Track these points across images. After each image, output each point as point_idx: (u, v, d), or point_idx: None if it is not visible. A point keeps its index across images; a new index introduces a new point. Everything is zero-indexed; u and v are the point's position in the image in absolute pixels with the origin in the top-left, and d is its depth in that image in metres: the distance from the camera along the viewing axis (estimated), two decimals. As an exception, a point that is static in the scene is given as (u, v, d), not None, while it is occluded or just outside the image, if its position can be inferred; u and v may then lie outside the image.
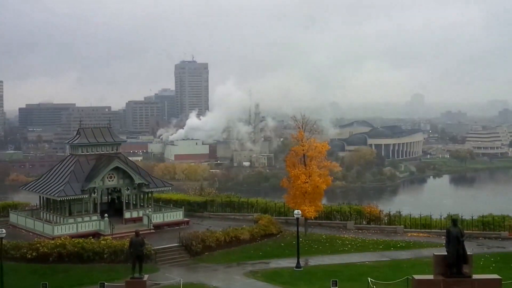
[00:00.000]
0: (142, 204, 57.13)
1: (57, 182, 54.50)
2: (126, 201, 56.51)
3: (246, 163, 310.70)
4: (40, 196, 57.20)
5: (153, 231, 52.97)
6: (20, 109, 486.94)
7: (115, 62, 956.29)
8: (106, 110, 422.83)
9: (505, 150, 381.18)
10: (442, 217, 55.70)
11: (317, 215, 54.45)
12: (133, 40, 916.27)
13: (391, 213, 58.73)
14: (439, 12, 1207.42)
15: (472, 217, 54.73)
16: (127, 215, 55.67)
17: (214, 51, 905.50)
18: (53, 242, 45.31)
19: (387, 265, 42.90)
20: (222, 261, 44.75)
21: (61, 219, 52.99)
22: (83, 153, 57.03)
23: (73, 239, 45.51)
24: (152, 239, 47.23)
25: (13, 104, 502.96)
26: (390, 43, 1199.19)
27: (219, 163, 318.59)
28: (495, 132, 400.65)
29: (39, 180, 58.32)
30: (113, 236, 48.63)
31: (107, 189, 56.98)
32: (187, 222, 56.57)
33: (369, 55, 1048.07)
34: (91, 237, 47.48)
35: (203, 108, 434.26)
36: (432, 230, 54.38)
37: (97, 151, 57.63)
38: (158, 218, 55.65)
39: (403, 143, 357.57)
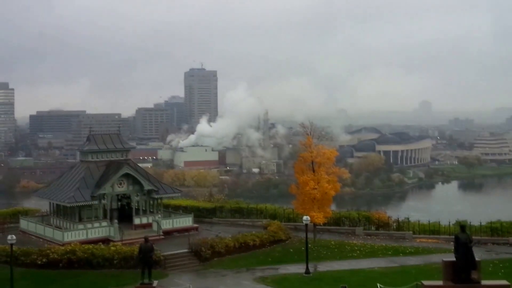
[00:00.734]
0: (151, 210, 57.42)
1: (67, 188, 54.84)
2: (136, 207, 56.78)
3: (255, 170, 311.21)
4: (50, 203, 57.61)
5: (163, 237, 53.15)
6: (31, 116, 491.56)
7: (125, 70, 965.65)
8: (116, 117, 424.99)
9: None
10: (450, 223, 55.54)
11: (326, 221, 54.45)
12: (144, 48, 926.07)
13: (400, 219, 58.71)
14: (448, 22, 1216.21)
15: (480, 223, 54.41)
16: (136, 221, 55.91)
17: (224, 60, 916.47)
18: (63, 248, 45.47)
19: (396, 271, 42.78)
20: (232, 267, 44.78)
21: (71, 225, 53.30)
22: (93, 160, 57.40)
23: (83, 245, 45.65)
24: (161, 245, 47.36)
25: (24, 111, 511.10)
26: (400, 52, 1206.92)
27: (228, 169, 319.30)
28: (502, 139, 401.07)
29: (49, 187, 58.82)
30: (123, 242, 48.79)
31: (117, 195, 57.21)
32: (196, 228, 56.73)
33: (379, 63, 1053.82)
34: (101, 243, 47.70)
35: (212, 114, 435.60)
36: (441, 236, 54.29)
37: (107, 158, 57.96)
38: (167, 224, 55.79)
39: (411, 150, 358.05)
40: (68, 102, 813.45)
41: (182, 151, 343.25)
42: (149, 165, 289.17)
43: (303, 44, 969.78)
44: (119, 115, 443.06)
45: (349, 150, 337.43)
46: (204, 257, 46.40)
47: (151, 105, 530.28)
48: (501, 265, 43.61)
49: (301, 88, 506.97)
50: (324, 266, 44.65)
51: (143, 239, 38.91)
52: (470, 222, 53.38)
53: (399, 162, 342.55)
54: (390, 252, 49.12)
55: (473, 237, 36.42)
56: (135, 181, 55.70)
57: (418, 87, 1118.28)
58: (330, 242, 52.45)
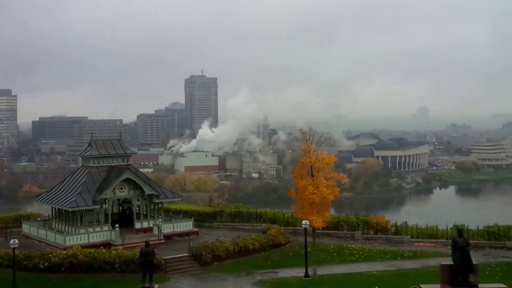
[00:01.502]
0: (152, 215, 57.95)
1: (69, 193, 55.35)
2: (137, 211, 57.21)
3: (255, 175, 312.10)
4: (52, 207, 58.06)
5: (163, 241, 53.53)
6: (34, 122, 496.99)
7: (127, 77, 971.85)
8: (118, 123, 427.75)
9: (510, 162, 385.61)
10: (448, 227, 55.94)
11: (325, 225, 54.87)
12: (145, 56, 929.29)
13: (398, 224, 58.97)
14: (447, 31, 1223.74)
15: (477, 227, 54.83)
16: (137, 225, 56.42)
17: (224, 67, 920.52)
18: (65, 252, 45.78)
19: (394, 275, 42.98)
20: (232, 271, 45.01)
21: (73, 229, 53.78)
22: (95, 165, 57.96)
23: (84, 249, 45.97)
24: (162, 249, 47.71)
25: (27, 117, 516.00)
26: (398, 59, 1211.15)
27: (228, 174, 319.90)
28: (499, 144, 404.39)
29: (52, 191, 59.19)
30: (124, 246, 49.19)
31: (118, 200, 57.77)
32: (197, 233, 57.21)
33: (378, 70, 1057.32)
34: (102, 247, 47.98)
35: (212, 121, 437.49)
36: (439, 240, 54.63)
37: (108, 163, 58.55)
38: (168, 228, 56.27)
39: (409, 155, 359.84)
40: (70, 108, 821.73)
41: (183, 156, 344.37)
42: (150, 170, 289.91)
43: (303, 52, 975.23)
44: (120, 121, 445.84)
45: (348, 156, 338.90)
46: (205, 261, 46.68)
47: (152, 111, 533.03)
48: (498, 268, 43.78)
49: (301, 95, 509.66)
50: (323, 270, 44.87)
51: (144, 243, 39.29)
52: (467, 226, 53.58)
53: (397, 167, 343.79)
54: (388, 256, 49.38)
55: (471, 241, 36.66)
56: (136, 186, 56.19)
57: (416, 94, 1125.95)
58: (329, 246, 52.78)
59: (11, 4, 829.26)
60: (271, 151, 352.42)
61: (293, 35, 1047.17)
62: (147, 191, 56.22)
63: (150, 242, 40.51)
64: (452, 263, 32.38)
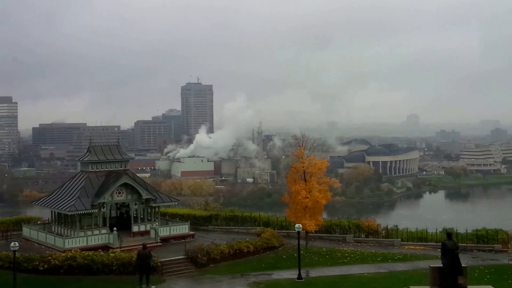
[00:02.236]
0: (149, 218, 58.62)
1: (68, 197, 56.07)
2: (134, 215, 57.88)
3: (250, 180, 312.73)
4: (52, 211, 58.70)
5: (160, 244, 54.28)
6: (34, 129, 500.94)
7: (125, 85, 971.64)
8: (116, 129, 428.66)
9: (497, 167, 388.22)
10: (437, 231, 56.50)
11: (317, 229, 55.42)
12: (142, 65, 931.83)
13: (389, 227, 59.70)
14: (436, 38, 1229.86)
15: (466, 230, 55.48)
16: (135, 228, 57.11)
17: (220, 74, 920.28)
18: (64, 254, 46.29)
19: (385, 277, 43.52)
20: (227, 273, 45.55)
21: (72, 232, 54.47)
22: (93, 170, 58.74)
23: (83, 252, 46.52)
24: (159, 252, 48.43)
25: (27, 124, 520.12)
26: (389, 66, 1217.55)
27: (223, 179, 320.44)
28: (487, 150, 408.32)
29: (51, 196, 59.79)
30: (122, 249, 49.76)
31: (116, 204, 58.39)
32: (193, 236, 57.91)
33: (369, 77, 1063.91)
34: (100, 250, 48.67)
35: (208, 127, 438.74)
36: (428, 243, 55.46)
37: (106, 168, 59.27)
38: (164, 231, 57.01)
39: (399, 161, 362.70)
40: (69, 115, 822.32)
41: (179, 161, 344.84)
42: (147, 175, 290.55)
43: (297, 61, 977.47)
44: (118, 127, 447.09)
45: (340, 161, 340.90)
46: (200, 263, 47.28)
47: (149, 118, 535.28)
48: (486, 271, 44.43)
49: (296, 102, 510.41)
50: (316, 272, 45.46)
51: (141, 246, 40.20)
52: (456, 230, 54.36)
53: (388, 172, 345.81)
54: (379, 259, 50.05)
55: (460, 244, 37.43)
56: (133, 190, 56.98)
57: (406, 101, 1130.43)
58: (322, 249, 53.51)
59: (12, 12, 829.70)
60: (266, 156, 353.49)
61: (288, 44, 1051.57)
62: (144, 195, 56.94)
63: (147, 245, 41.34)
64: (441, 265, 32.64)
